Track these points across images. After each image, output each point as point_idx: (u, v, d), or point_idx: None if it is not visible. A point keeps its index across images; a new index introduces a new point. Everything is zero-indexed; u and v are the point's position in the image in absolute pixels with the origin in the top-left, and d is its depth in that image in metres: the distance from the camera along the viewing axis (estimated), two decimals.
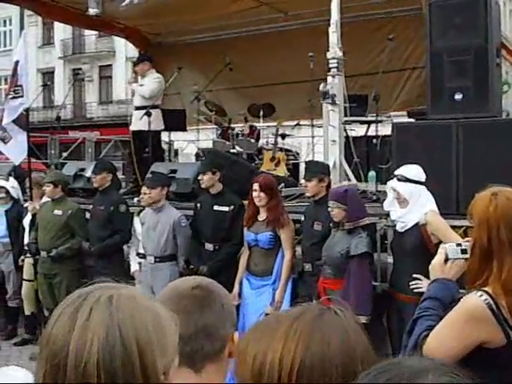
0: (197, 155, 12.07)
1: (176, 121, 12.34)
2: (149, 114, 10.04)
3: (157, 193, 7.63)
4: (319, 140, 12.00)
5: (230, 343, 1.81)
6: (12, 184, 9.75)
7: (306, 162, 7.65)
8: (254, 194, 6.82)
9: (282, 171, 11.29)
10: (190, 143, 14.41)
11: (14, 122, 9.28)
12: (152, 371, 1.15)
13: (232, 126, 12.34)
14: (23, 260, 9.35)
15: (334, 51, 8.30)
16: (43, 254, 8.61)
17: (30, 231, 9.15)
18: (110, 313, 1.13)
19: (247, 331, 1.32)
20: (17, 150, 9.51)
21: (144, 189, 7.76)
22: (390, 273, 6.29)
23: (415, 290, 5.42)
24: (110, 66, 38.28)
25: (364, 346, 1.21)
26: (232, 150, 11.46)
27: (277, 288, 6.84)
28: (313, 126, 12.42)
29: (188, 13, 12.24)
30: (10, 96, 9.30)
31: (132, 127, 10.74)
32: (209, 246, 7.51)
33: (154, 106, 10.46)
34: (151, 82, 10.45)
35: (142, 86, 10.51)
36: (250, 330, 1.30)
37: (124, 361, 1.10)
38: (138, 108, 10.61)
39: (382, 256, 6.82)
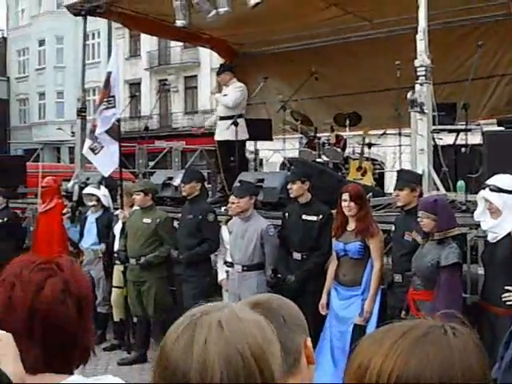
0: (283, 164, 12.07)
1: (262, 130, 12.37)
2: (236, 124, 10.09)
3: (245, 202, 7.67)
4: (405, 149, 11.87)
5: (304, 350, 1.77)
6: (103, 192, 9.95)
7: (398, 171, 7.53)
8: (344, 203, 6.77)
9: (368, 181, 11.19)
10: (275, 152, 14.44)
11: (106, 132, 9.46)
12: (273, 380, 1.19)
13: (318, 135, 12.29)
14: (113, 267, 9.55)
15: (422, 59, 8.19)
16: (132, 261, 8.74)
17: (120, 239, 9.32)
18: (225, 338, 1.18)
19: (366, 336, 1.30)
20: (106, 160, 9.67)
21: (232, 198, 7.81)
22: (480, 284, 6.15)
23: (508, 303, 5.29)
24: (195, 76, 38.76)
25: (470, 368, 1.17)
26: (318, 160, 11.42)
27: (366, 298, 6.77)
28: (400, 134, 12.27)
29: (273, 23, 12.30)
30: (103, 106, 9.48)
31: (217, 137, 10.79)
32: (297, 256, 7.50)
33: (239, 116, 10.51)
34: (234, 91, 10.46)
35: (225, 95, 10.55)
36: (367, 336, 1.28)
37: (247, 379, 1.15)
38: (222, 118, 10.66)
39: (472, 267, 6.67)
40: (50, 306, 1.57)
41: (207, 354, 1.15)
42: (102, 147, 9.52)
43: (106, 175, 10.23)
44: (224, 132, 10.49)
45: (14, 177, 13.94)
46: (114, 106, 9.44)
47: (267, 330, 1.26)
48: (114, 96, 9.48)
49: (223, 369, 1.13)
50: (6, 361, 0.96)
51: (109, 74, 9.64)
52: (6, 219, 10.96)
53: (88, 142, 9.79)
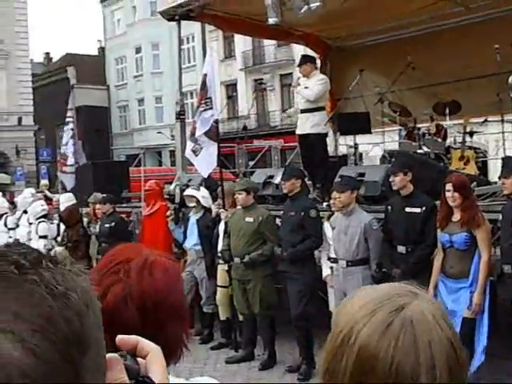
0: (383, 158, 11.92)
1: (360, 124, 12.26)
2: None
3: (347, 196, 7.62)
4: (509, 136, 11.52)
5: None
6: (202, 194, 10.08)
7: (503, 159, 7.34)
8: (448, 194, 6.64)
9: (472, 170, 10.90)
10: (375, 146, 14.29)
11: (205, 133, 9.58)
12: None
13: (417, 126, 12.07)
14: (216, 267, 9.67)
15: None
16: (236, 260, 8.81)
17: (223, 238, 9.41)
18: (444, 337, 1.13)
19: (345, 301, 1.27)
20: (206, 162, 9.80)
21: (334, 193, 7.77)
22: None
23: None
24: (291, 74, 38.71)
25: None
26: (419, 151, 11.22)
27: (474, 291, 6.61)
28: (503, 121, 11.92)
29: (366, 15, 12.15)
30: (202, 108, 9.61)
31: (298, 131, 10.74)
32: (401, 249, 7.39)
33: (319, 108, 10.43)
34: (316, 84, 10.34)
35: (306, 88, 10.46)
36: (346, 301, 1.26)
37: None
38: (302, 111, 10.60)
39: None
40: (111, 312, 1.57)
41: (434, 353, 1.10)
42: (202, 149, 9.66)
43: (206, 176, 10.38)
44: (303, 125, 10.43)
45: (118, 182, 14.33)
46: (212, 108, 9.55)
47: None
48: (210, 97, 9.60)
49: (446, 369, 1.10)
50: (156, 371, 0.94)
51: (205, 76, 9.76)
52: (113, 224, 11.27)
53: (190, 145, 9.96)
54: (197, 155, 9.80)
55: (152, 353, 0.99)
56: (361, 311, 1.15)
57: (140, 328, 1.58)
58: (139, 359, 0.93)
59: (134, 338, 1.01)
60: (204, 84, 9.71)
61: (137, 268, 1.65)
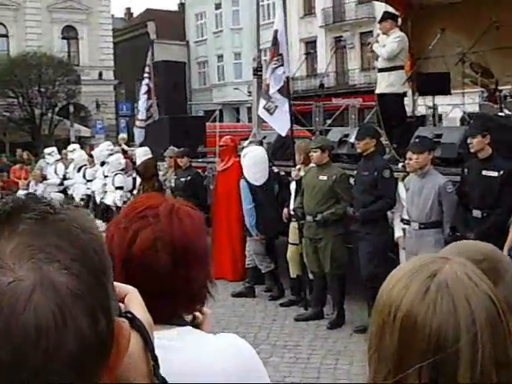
0: (462, 119, 11.66)
1: (440, 84, 12.00)
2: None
3: (423, 158, 7.47)
4: None
5: None
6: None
7: None
8: None
9: None
10: (454, 107, 13.97)
11: (278, 91, 9.52)
12: None
13: (499, 88, 11.73)
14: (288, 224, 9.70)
15: None
16: (309, 218, 8.78)
17: (295, 197, 9.40)
18: (484, 299, 1.12)
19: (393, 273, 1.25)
20: (282, 120, 9.75)
21: (410, 154, 7.64)
22: None
23: None
24: (371, 32, 38.11)
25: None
26: (500, 114, 10.92)
27: None
28: None
29: None
30: (274, 65, 9.54)
31: (377, 90, 10.58)
32: (476, 213, 7.24)
33: (396, 67, 10.21)
34: (391, 42, 10.09)
35: (384, 46, 10.25)
36: (394, 274, 1.25)
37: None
38: (380, 70, 10.40)
39: None
40: (141, 256, 1.59)
41: (473, 309, 1.10)
42: (277, 107, 9.60)
43: (284, 134, 10.33)
44: (381, 84, 10.27)
45: (195, 137, 14.43)
46: (283, 65, 9.47)
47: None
48: (281, 54, 9.51)
49: (487, 324, 1.10)
50: (136, 309, 1.03)
51: (275, 32, 9.67)
52: (189, 178, 11.39)
53: (262, 102, 9.91)
54: (271, 113, 9.74)
55: (129, 294, 1.08)
56: (398, 284, 1.16)
57: (171, 271, 1.61)
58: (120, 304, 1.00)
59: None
60: (275, 40, 9.62)
61: (165, 212, 1.66)
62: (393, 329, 1.13)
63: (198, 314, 1.75)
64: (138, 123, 16.13)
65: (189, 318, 1.72)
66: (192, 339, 1.63)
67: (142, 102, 15.76)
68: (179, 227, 1.64)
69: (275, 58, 9.53)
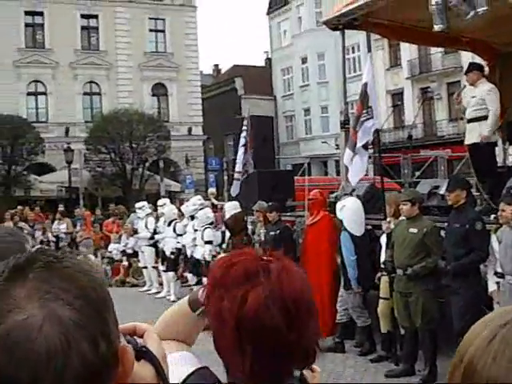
0: None
1: None
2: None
3: None
4: None
5: None
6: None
7: None
8: None
9: None
10: None
11: (363, 145, 9.56)
12: None
13: None
14: (379, 278, 9.57)
15: None
16: (399, 271, 8.68)
17: (386, 249, 9.32)
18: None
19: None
20: (357, 170, 9.75)
21: (503, 205, 7.49)
22: None
23: None
24: (459, 81, 37.73)
25: None
26: None
27: None
28: None
29: None
30: (363, 118, 9.57)
31: (466, 141, 10.47)
32: None
33: (486, 117, 10.06)
34: (489, 98, 10.05)
35: (473, 97, 10.16)
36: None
37: None
38: (469, 121, 10.32)
39: None
40: (254, 316, 1.57)
41: None
42: (355, 155, 9.63)
43: (354, 184, 10.37)
44: (470, 135, 10.15)
45: (284, 191, 14.52)
46: (373, 117, 9.49)
47: None
48: (371, 106, 9.54)
49: None
50: (151, 344, 1.26)
51: (365, 85, 9.72)
52: (278, 231, 11.44)
53: (349, 153, 9.93)
54: (351, 164, 9.80)
55: (147, 331, 1.30)
56: (473, 330, 1.11)
57: (285, 330, 1.59)
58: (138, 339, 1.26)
59: (131, 324, 1.31)
60: (365, 93, 9.67)
61: (277, 270, 1.64)
62: (459, 373, 1.09)
63: (305, 371, 1.74)
64: (236, 175, 16.36)
65: (296, 373, 1.71)
66: None
67: (240, 155, 15.99)
68: (290, 284, 1.64)
69: (364, 111, 9.56)
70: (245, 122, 16.08)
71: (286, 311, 1.59)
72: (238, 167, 16.00)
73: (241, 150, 15.94)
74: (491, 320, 1.11)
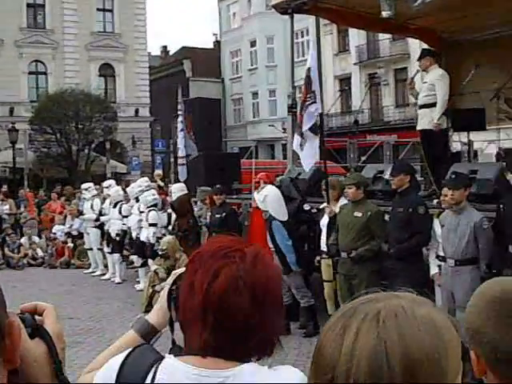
0: (498, 155, 11.61)
1: (475, 120, 11.97)
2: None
3: (459, 194, 7.42)
4: None
5: None
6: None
7: None
8: None
9: None
10: (490, 143, 13.92)
11: (309, 129, 9.59)
12: None
13: None
14: (319, 261, 9.68)
15: None
16: (343, 254, 8.78)
17: (326, 233, 9.42)
18: (376, 332, 1.05)
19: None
20: (309, 156, 9.80)
21: (445, 190, 7.61)
22: None
23: None
24: (406, 68, 38.18)
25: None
26: None
27: None
28: None
29: (482, 7, 11.78)
30: (308, 102, 9.61)
31: (418, 127, 10.59)
32: None
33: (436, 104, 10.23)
34: (438, 83, 10.16)
35: (425, 82, 10.29)
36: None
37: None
38: (421, 107, 10.44)
39: None
40: (222, 293, 1.61)
41: (354, 352, 1.04)
42: (306, 142, 9.66)
43: (307, 170, 10.44)
44: (422, 121, 10.28)
45: (230, 173, 14.54)
46: (315, 102, 9.54)
47: (444, 335, 1.07)
48: (314, 91, 9.58)
49: (367, 367, 1.02)
50: (48, 322, 1.31)
51: (308, 71, 9.76)
52: (224, 214, 11.45)
53: (297, 139, 9.97)
54: (302, 149, 9.81)
55: (47, 310, 1.33)
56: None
57: (249, 312, 1.63)
58: (38, 317, 1.31)
59: (33, 303, 1.34)
60: (308, 78, 9.70)
61: (252, 255, 1.69)
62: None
63: None
64: (180, 161, 16.30)
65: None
66: (260, 373, 1.66)
67: (180, 139, 15.93)
68: (263, 271, 1.68)
69: (308, 95, 9.60)
70: (179, 107, 16.02)
71: (253, 295, 1.63)
72: (181, 152, 15.96)
73: (180, 135, 15.90)
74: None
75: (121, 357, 1.74)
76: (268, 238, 9.93)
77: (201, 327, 1.64)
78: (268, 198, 9.69)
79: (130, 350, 1.76)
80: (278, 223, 9.69)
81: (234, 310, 1.62)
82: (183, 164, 15.88)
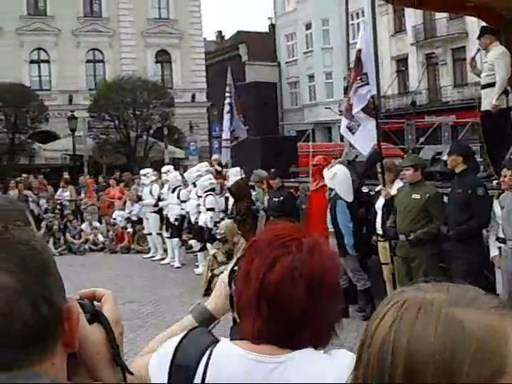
0: None
1: None
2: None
3: None
4: None
5: None
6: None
7: None
8: None
9: None
10: None
11: (362, 110, 9.46)
12: None
13: None
14: (376, 241, 9.64)
15: None
16: (402, 237, 8.71)
17: (382, 215, 9.36)
18: (391, 322, 1.04)
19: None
20: (365, 139, 9.67)
21: (504, 170, 7.49)
22: None
23: None
24: (464, 47, 37.55)
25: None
26: None
27: None
28: None
29: None
30: (358, 84, 9.49)
31: (482, 107, 10.37)
32: None
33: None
34: (497, 62, 9.93)
35: (485, 62, 10.08)
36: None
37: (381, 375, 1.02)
38: (484, 86, 10.23)
39: None
40: (278, 284, 1.62)
41: (375, 332, 1.04)
42: (359, 125, 9.53)
43: (365, 153, 10.31)
44: (485, 101, 10.06)
45: (287, 157, 14.53)
46: (368, 83, 9.41)
47: (468, 341, 0.99)
48: (366, 73, 9.45)
49: (376, 356, 1.03)
50: (106, 308, 1.34)
51: (359, 52, 9.64)
52: (281, 198, 11.46)
53: (345, 121, 9.86)
54: (353, 132, 9.66)
55: (105, 296, 1.37)
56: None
57: (304, 303, 1.63)
58: (97, 303, 1.35)
59: (91, 289, 1.38)
60: (359, 60, 9.58)
61: (309, 245, 1.68)
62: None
63: None
64: (224, 143, 16.33)
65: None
66: (313, 357, 1.67)
67: (226, 122, 15.94)
68: (319, 261, 1.67)
69: (358, 78, 9.48)
70: (227, 89, 16.01)
71: (309, 285, 1.63)
72: (226, 134, 15.99)
73: (226, 117, 15.89)
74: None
75: (176, 339, 1.77)
76: (328, 217, 9.93)
77: (255, 316, 1.66)
78: (337, 177, 9.70)
79: (186, 332, 1.78)
80: (342, 203, 9.68)
81: (288, 300, 1.62)
82: (227, 147, 15.90)
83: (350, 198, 9.72)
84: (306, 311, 1.63)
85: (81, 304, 1.27)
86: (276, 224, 1.85)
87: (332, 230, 9.84)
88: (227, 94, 15.97)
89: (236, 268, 1.90)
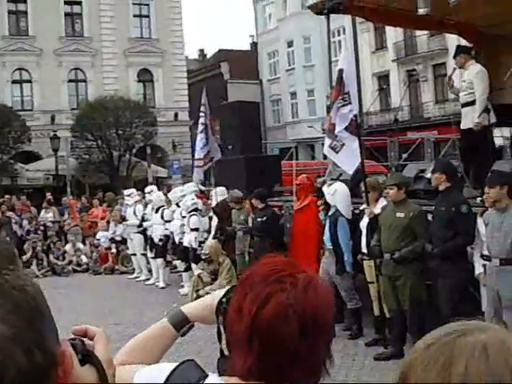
0: None
1: None
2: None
3: (496, 192, 7.33)
4: None
5: None
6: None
7: None
8: None
9: None
10: None
11: (345, 129, 9.48)
12: None
13: None
14: (362, 259, 9.64)
15: None
16: (386, 256, 8.71)
17: (366, 234, 9.37)
18: (489, 367, 1.02)
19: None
20: (350, 158, 9.69)
21: (487, 188, 7.53)
22: None
23: None
24: (444, 64, 37.81)
25: None
26: None
27: None
28: None
29: None
30: (340, 104, 9.52)
31: (462, 126, 10.49)
32: None
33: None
34: (474, 77, 10.09)
35: (464, 81, 10.20)
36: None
37: None
38: (463, 105, 10.34)
39: None
40: (271, 321, 1.59)
41: (467, 381, 1.01)
42: (343, 145, 9.54)
43: (350, 173, 10.32)
44: (467, 120, 10.17)
45: (271, 176, 14.52)
46: (350, 103, 9.44)
47: None
48: (348, 92, 9.48)
49: None
50: (99, 347, 1.33)
51: (340, 72, 9.67)
52: (265, 218, 11.45)
53: (328, 141, 9.88)
54: (337, 152, 9.67)
55: (97, 335, 1.37)
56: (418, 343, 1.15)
57: (297, 340, 1.59)
58: (88, 341, 1.34)
59: (83, 326, 1.40)
60: (341, 78, 9.61)
61: (304, 281, 1.65)
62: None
63: None
64: (196, 163, 16.30)
65: None
66: None
67: (199, 141, 15.90)
68: (314, 298, 1.64)
69: (340, 97, 9.50)
70: (202, 109, 15.99)
71: (303, 324, 1.60)
72: (198, 154, 15.92)
73: (199, 137, 15.83)
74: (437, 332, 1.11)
75: (164, 374, 1.74)
76: (326, 234, 9.92)
77: (246, 352, 1.62)
78: (338, 193, 9.73)
79: (174, 366, 1.76)
80: (344, 220, 9.71)
81: (281, 338, 1.59)
82: (199, 166, 15.87)
83: (349, 215, 9.78)
84: (299, 349, 1.60)
85: (72, 345, 1.26)
86: (271, 258, 1.82)
87: (330, 247, 9.85)
88: (201, 114, 15.93)
89: (224, 300, 1.88)
